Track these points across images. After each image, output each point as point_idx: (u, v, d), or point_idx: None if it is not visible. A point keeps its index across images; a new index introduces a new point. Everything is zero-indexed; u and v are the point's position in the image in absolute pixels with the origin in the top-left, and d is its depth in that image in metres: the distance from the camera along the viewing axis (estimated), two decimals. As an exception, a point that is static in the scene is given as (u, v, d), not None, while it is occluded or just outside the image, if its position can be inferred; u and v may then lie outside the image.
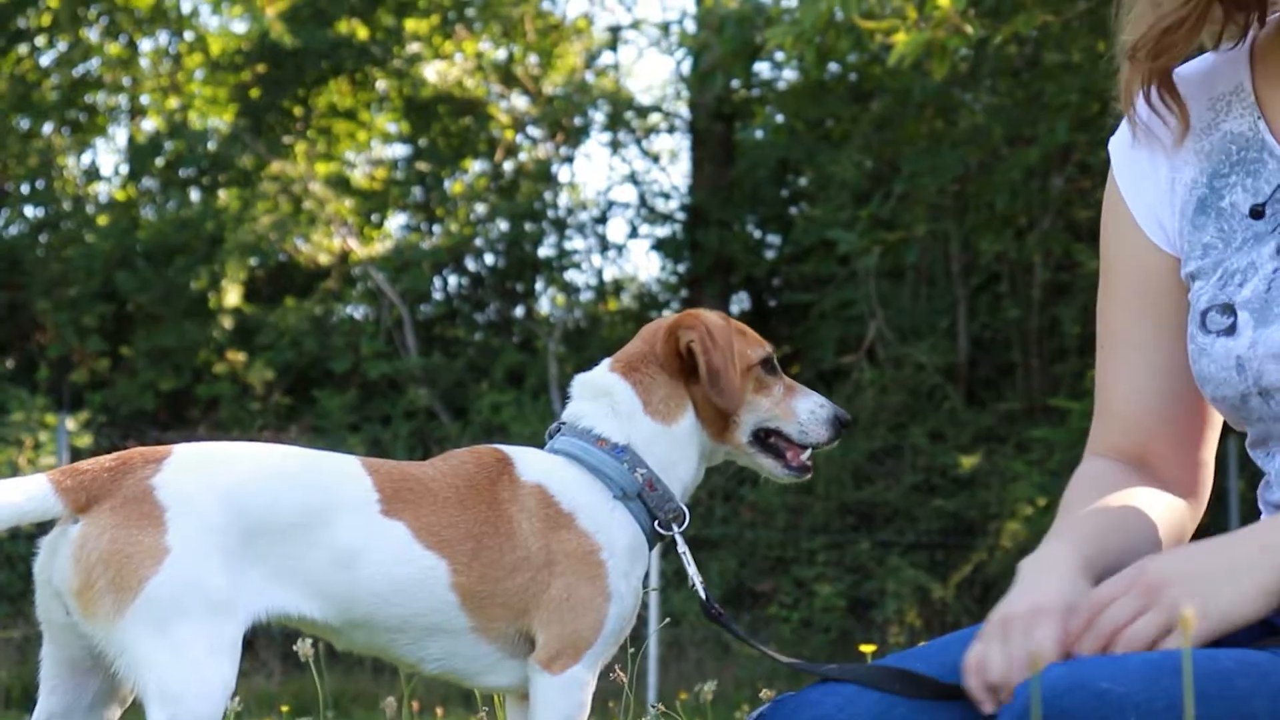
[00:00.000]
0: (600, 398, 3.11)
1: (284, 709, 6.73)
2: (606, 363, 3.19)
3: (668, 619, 4.01)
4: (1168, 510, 2.64)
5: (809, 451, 3.21)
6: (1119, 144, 2.68)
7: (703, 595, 3.06)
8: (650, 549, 3.08)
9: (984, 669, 2.35)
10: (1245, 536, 2.38)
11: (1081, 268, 16.47)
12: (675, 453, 3.10)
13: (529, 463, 3.04)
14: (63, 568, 2.78)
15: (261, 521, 2.84)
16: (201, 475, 2.85)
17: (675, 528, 3.06)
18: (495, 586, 2.92)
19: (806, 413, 3.18)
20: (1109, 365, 2.72)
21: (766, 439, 3.21)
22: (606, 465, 3.02)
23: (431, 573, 2.90)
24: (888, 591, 15.08)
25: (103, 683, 2.88)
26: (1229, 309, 2.50)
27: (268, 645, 15.14)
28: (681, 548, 3.06)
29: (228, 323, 18.83)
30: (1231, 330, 2.49)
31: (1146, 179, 2.64)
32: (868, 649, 4.87)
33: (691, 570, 3.07)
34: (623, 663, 3.55)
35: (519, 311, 20.37)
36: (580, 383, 3.18)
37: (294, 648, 3.03)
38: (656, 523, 3.05)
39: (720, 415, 3.14)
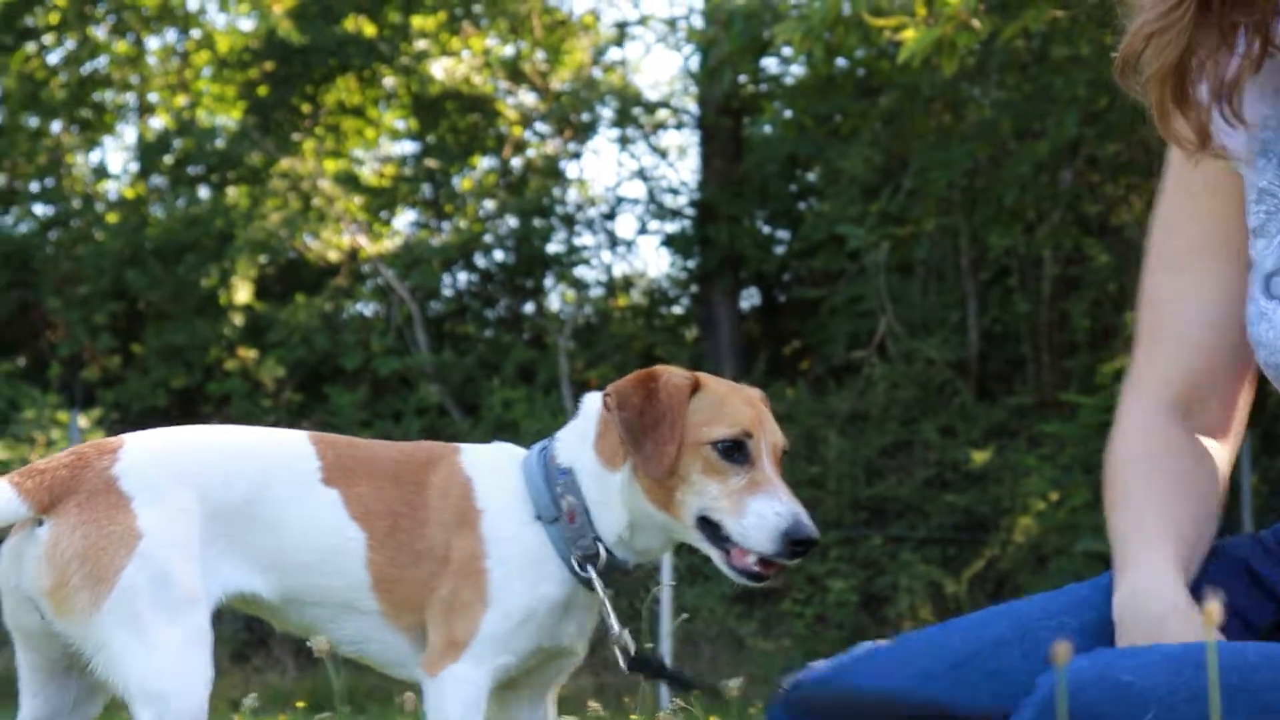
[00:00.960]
0: (581, 415, 3.02)
1: (299, 704, 6.74)
2: (613, 384, 3.01)
3: (684, 615, 3.99)
4: (1222, 475, 2.64)
5: (754, 558, 2.92)
6: None
7: (629, 647, 2.92)
8: (576, 577, 2.91)
9: None
10: None
11: (1091, 261, 16.47)
12: (605, 497, 2.92)
13: (474, 458, 2.96)
14: (32, 570, 2.75)
15: (219, 501, 2.82)
16: (159, 461, 2.84)
17: (589, 568, 2.89)
18: (402, 573, 2.86)
19: (755, 515, 2.87)
20: (1172, 286, 2.63)
21: (716, 529, 2.93)
22: (531, 483, 2.91)
23: (351, 544, 2.86)
24: (900, 587, 15.08)
25: (83, 682, 2.87)
26: None
27: (282, 642, 15.17)
28: (598, 591, 2.88)
29: (238, 320, 18.85)
30: None
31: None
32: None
33: (611, 620, 2.92)
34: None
35: (529, 308, 20.38)
36: (587, 395, 3.07)
37: (308, 643, 3.00)
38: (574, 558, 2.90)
39: (659, 485, 2.89)
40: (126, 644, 2.71)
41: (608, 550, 2.90)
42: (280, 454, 2.90)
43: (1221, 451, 2.64)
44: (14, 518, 2.77)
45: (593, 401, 3.00)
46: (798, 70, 19.13)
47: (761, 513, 2.87)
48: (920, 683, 2.55)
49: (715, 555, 2.94)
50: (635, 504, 2.93)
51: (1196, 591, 2.43)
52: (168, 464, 2.84)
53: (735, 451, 2.87)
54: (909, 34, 9.54)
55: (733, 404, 2.91)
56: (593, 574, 2.89)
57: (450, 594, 2.83)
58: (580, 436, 2.97)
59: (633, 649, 2.89)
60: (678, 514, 2.92)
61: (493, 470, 2.93)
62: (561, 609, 2.90)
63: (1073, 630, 2.49)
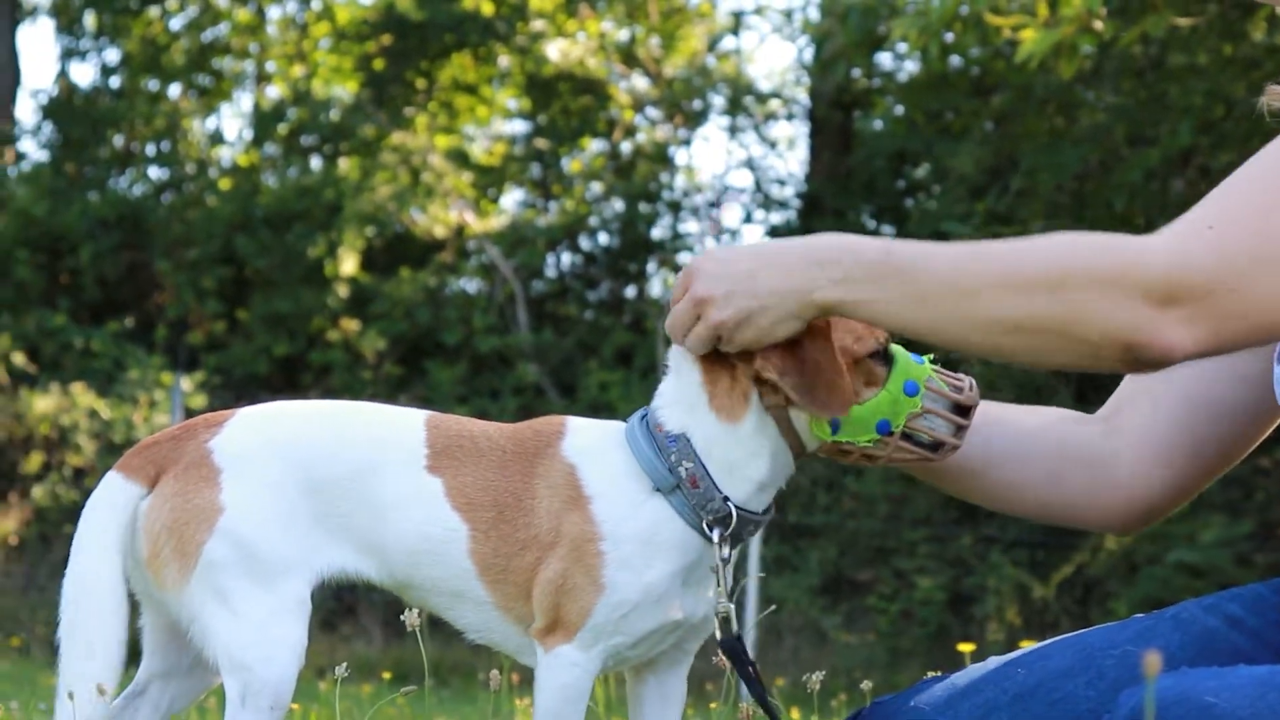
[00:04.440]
0: (676, 379, 2.86)
1: (386, 675, 6.80)
2: (760, 355, 2.81)
3: (772, 606, 3.96)
4: (1058, 441, 2.77)
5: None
6: None
7: (731, 615, 2.82)
8: (711, 543, 2.80)
9: None
10: (797, 248, 2.50)
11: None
12: (738, 452, 2.81)
13: (577, 438, 2.86)
14: (137, 541, 2.78)
15: (319, 477, 2.80)
16: (259, 434, 2.83)
17: (717, 531, 2.78)
18: (508, 562, 2.80)
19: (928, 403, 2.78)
20: None
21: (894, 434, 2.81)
22: (642, 457, 2.81)
23: (454, 535, 2.80)
24: (988, 588, 15.01)
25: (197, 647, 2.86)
26: None
27: (369, 611, 15.30)
28: (723, 554, 2.79)
29: (343, 291, 18.97)
30: None
31: None
32: (966, 648, 4.87)
33: (722, 587, 2.82)
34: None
35: (630, 292, 20.40)
36: (670, 356, 2.91)
37: (401, 617, 2.99)
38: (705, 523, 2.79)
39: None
40: (215, 615, 2.73)
41: (738, 508, 2.81)
42: (389, 434, 2.87)
43: (1105, 445, 2.74)
44: (131, 501, 2.80)
45: (686, 362, 2.84)
46: (911, 66, 19.06)
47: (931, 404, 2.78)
48: (984, 713, 2.57)
49: (917, 453, 2.80)
50: (775, 442, 2.83)
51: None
52: (268, 437, 2.83)
53: (882, 356, 2.80)
54: (1028, 34, 9.52)
55: (855, 321, 2.77)
56: (717, 536, 2.79)
57: (559, 575, 2.77)
58: (686, 401, 2.83)
59: (734, 625, 2.86)
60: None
61: (597, 452, 2.85)
62: (681, 582, 2.82)
63: (1136, 660, 2.50)
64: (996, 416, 2.87)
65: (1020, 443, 2.84)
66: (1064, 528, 2.84)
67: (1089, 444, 2.79)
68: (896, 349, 2.82)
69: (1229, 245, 2.27)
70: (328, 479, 2.81)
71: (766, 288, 2.54)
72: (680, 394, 2.84)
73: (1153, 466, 2.76)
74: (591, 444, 2.87)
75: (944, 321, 2.42)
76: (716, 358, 2.80)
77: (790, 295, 2.51)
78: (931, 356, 2.84)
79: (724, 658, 2.92)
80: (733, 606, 2.83)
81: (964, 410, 2.78)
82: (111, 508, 2.81)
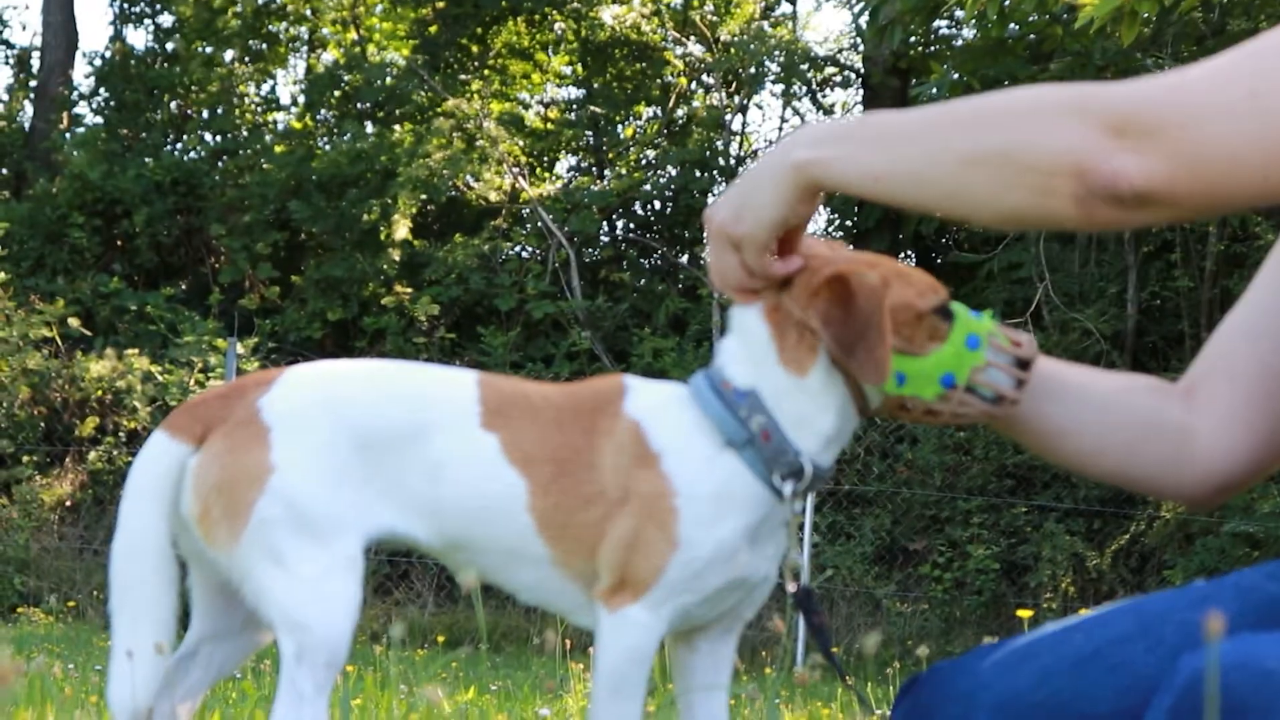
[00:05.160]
0: (740, 335, 2.83)
1: (440, 639, 6.82)
2: (807, 298, 2.80)
3: (829, 571, 3.93)
4: (1163, 422, 2.72)
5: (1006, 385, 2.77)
6: None
7: (804, 567, 2.83)
8: (779, 500, 2.78)
9: None
10: (775, 152, 2.56)
11: (1258, 240, 16.21)
12: (807, 406, 2.79)
13: (639, 397, 2.83)
14: (186, 499, 2.76)
15: (369, 436, 2.76)
16: (308, 392, 2.80)
17: (790, 484, 2.76)
18: (570, 517, 2.76)
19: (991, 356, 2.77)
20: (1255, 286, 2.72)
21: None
22: (713, 410, 2.77)
23: (511, 491, 2.76)
24: (1043, 557, 14.97)
25: (250, 606, 2.83)
26: None
27: (422, 575, 15.35)
28: (796, 507, 2.78)
29: (396, 256, 19.02)
30: None
31: None
32: (1025, 614, 4.85)
33: (795, 541, 2.83)
34: (782, 612, 3.45)
35: (684, 259, 20.40)
36: (732, 315, 2.87)
37: (457, 578, 2.95)
38: (776, 476, 2.76)
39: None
40: (267, 574, 2.70)
41: (811, 462, 2.78)
42: (440, 392, 2.84)
43: (1196, 424, 2.71)
44: (178, 461, 2.77)
45: (752, 316, 2.80)
46: (968, 32, 18.95)
47: (994, 359, 2.77)
48: (1041, 679, 2.55)
49: (980, 407, 2.77)
50: (842, 397, 2.80)
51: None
52: (317, 395, 2.80)
53: (944, 312, 2.77)
54: (1089, 0, 9.43)
55: (918, 274, 2.79)
56: (788, 491, 2.76)
57: (631, 532, 2.73)
58: (754, 356, 2.79)
59: (804, 577, 2.83)
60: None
61: (662, 409, 2.81)
62: (754, 537, 2.79)
63: (1196, 627, 2.47)
64: (1081, 382, 2.85)
65: (1105, 410, 2.81)
66: (1134, 494, 2.84)
67: (1170, 417, 2.77)
68: (957, 305, 2.79)
69: (1184, 88, 2.27)
70: (378, 437, 2.77)
71: (754, 173, 2.58)
72: (747, 350, 2.81)
73: (1231, 441, 2.73)
74: (655, 402, 2.83)
75: (902, 161, 2.42)
76: (781, 312, 2.78)
77: (771, 164, 2.55)
78: (991, 312, 2.81)
79: (789, 613, 2.91)
80: (804, 559, 2.80)
81: (1024, 365, 2.75)
82: (158, 467, 2.79)
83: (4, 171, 21.37)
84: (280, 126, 21.41)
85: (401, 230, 18.95)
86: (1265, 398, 2.71)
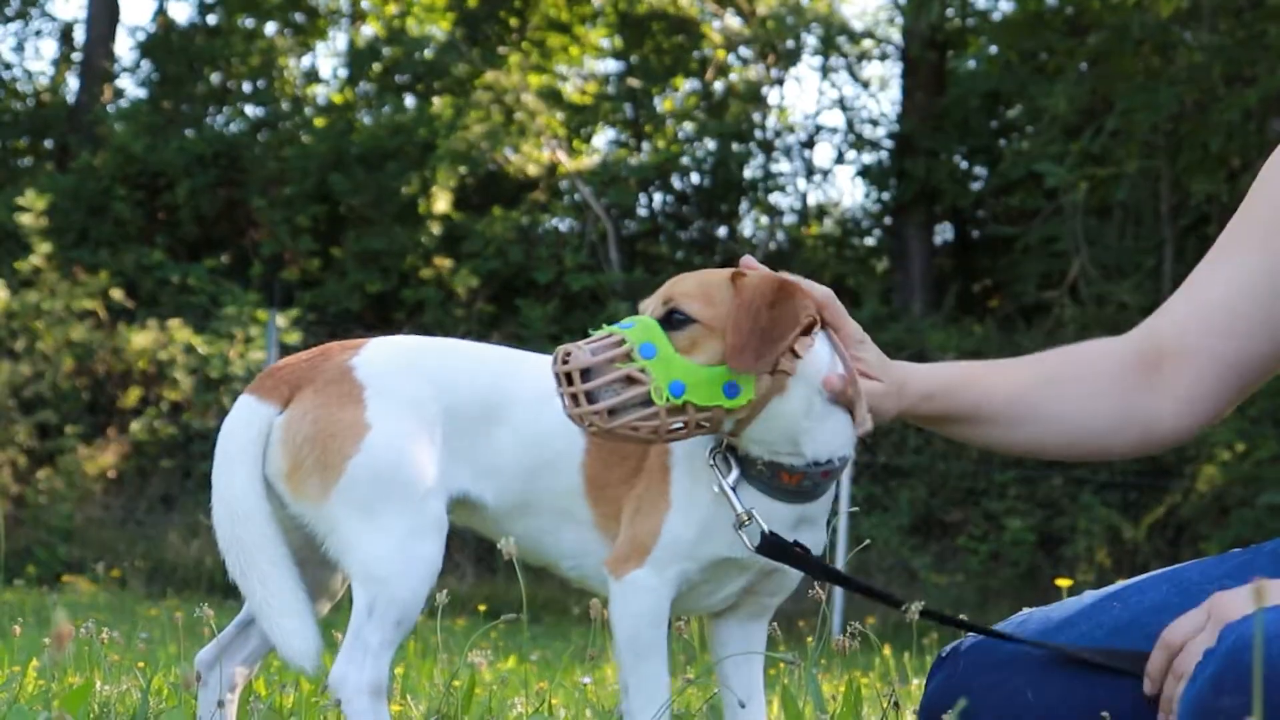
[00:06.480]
0: None
1: (481, 608, 6.89)
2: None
3: (867, 541, 4.01)
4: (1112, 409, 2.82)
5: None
6: None
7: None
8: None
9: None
10: None
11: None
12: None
13: None
14: (273, 456, 2.80)
15: (452, 401, 2.83)
16: (398, 356, 2.87)
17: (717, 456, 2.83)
18: (608, 476, 2.85)
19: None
20: (1220, 251, 2.82)
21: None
22: None
23: (571, 448, 2.85)
24: (1078, 529, 14.99)
25: (311, 576, 2.89)
26: None
27: (461, 547, 15.43)
28: (726, 481, 2.79)
29: (436, 229, 19.06)
30: None
31: None
32: (1064, 583, 4.88)
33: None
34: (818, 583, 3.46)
35: (722, 231, 20.42)
36: None
37: (499, 545, 3.01)
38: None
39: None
40: (354, 528, 2.76)
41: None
42: (525, 368, 2.91)
43: (1162, 406, 2.78)
44: (265, 423, 2.82)
45: None
46: (1006, 6, 18.94)
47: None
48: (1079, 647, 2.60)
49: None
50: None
51: None
52: (407, 359, 2.88)
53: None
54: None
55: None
56: (723, 473, 2.81)
57: (638, 495, 2.82)
58: None
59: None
60: None
61: None
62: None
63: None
64: (1034, 401, 2.90)
65: (1073, 423, 2.88)
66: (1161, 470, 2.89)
67: (1137, 409, 2.82)
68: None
69: None
70: (463, 404, 2.85)
71: None
72: None
73: (1191, 421, 2.80)
74: None
75: None
76: None
77: None
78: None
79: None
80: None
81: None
82: (250, 430, 2.84)
83: (48, 145, 21.48)
84: (321, 100, 21.46)
85: (441, 203, 19.00)
86: (1226, 387, 2.77)
